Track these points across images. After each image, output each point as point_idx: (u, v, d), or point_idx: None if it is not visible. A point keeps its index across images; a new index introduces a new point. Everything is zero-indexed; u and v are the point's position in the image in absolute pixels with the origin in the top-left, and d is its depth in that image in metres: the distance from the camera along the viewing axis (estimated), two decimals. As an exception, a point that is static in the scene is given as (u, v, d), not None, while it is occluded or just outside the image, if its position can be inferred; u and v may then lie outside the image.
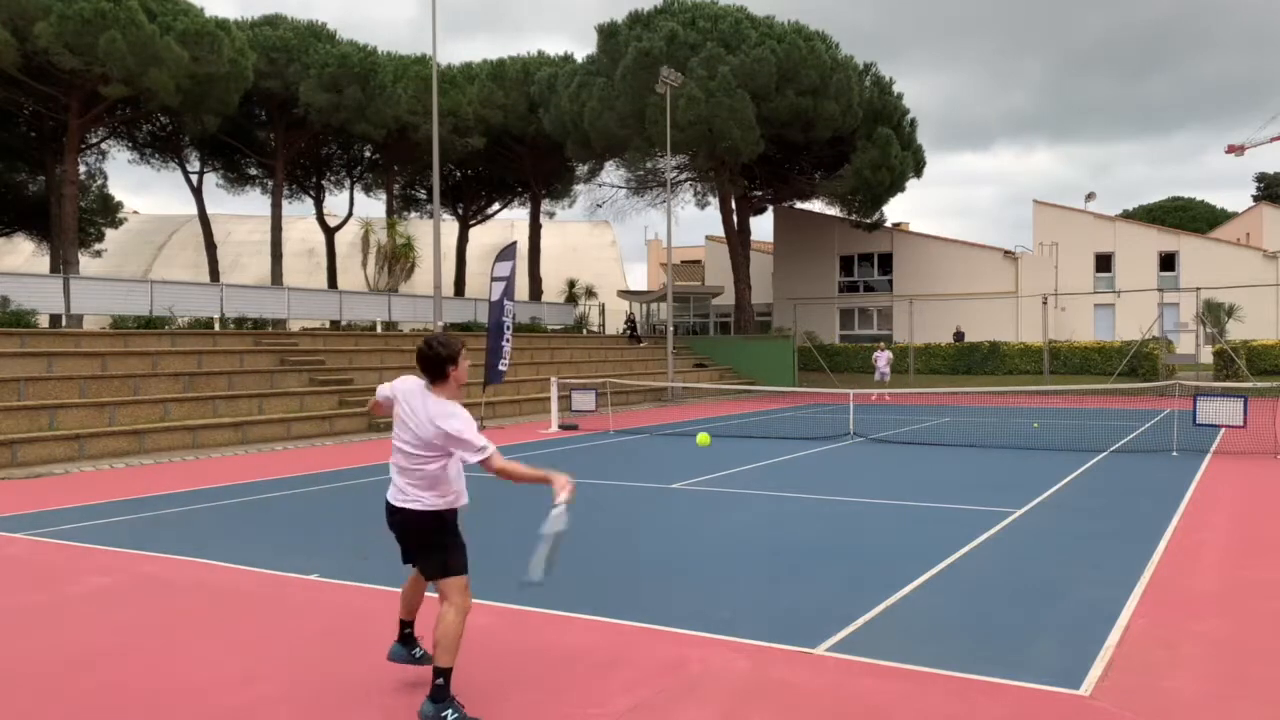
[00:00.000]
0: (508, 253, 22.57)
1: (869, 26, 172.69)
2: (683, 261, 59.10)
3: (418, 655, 5.12)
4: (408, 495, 4.63)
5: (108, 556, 8.40)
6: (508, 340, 21.87)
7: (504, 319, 21.74)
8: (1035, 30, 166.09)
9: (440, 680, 4.50)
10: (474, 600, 6.70)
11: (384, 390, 4.86)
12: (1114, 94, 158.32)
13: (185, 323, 22.62)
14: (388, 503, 4.74)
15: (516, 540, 9.12)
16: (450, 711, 4.48)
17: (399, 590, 7.00)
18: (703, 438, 6.27)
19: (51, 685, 5.17)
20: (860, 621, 6.08)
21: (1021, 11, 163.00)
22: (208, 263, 38.18)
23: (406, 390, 4.69)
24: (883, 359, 30.92)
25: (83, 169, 33.75)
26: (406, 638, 5.16)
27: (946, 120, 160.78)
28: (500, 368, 21.88)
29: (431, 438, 4.50)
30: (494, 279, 22.38)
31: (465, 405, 4.67)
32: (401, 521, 4.69)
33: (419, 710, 4.55)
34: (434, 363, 4.58)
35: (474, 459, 4.47)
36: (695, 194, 44.59)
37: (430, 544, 4.69)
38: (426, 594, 5.13)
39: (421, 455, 4.55)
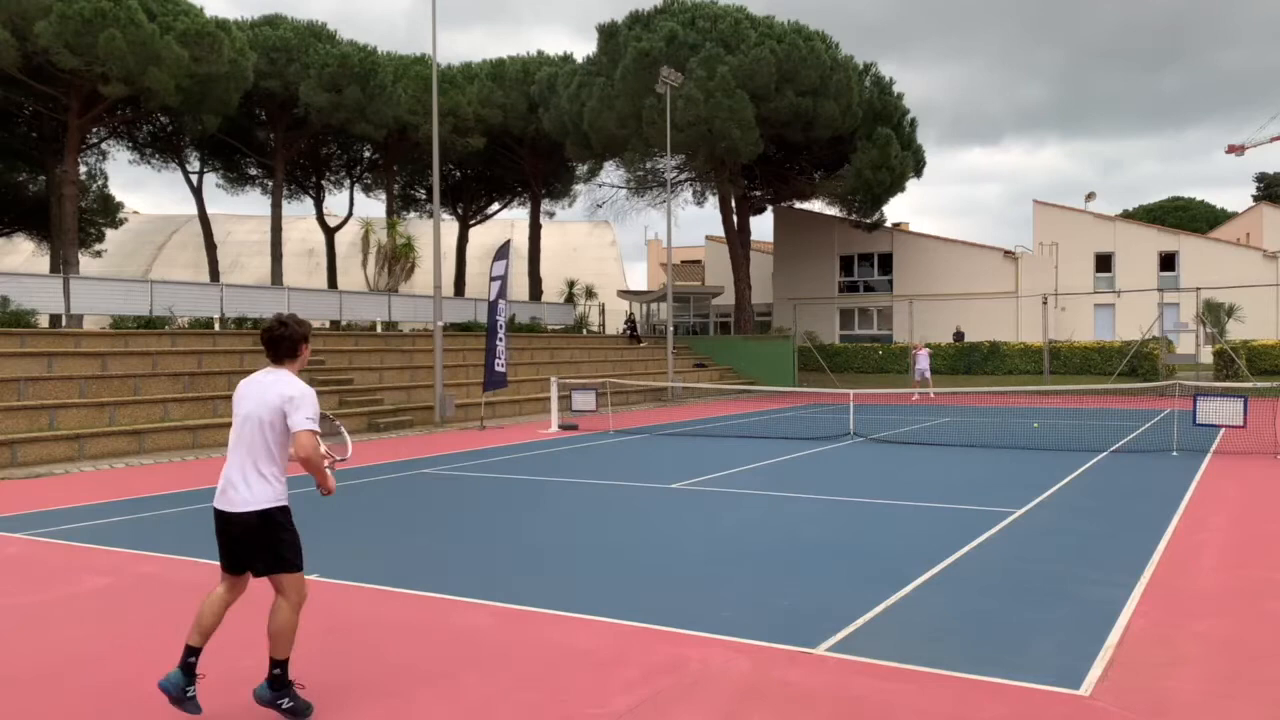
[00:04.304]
0: (502, 252, 22.61)
1: (875, 19, 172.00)
2: (683, 261, 59.08)
3: (190, 694, 4.50)
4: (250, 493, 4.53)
5: (108, 556, 8.40)
6: (502, 340, 21.82)
7: (498, 318, 21.73)
8: (1048, 22, 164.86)
9: (278, 670, 4.55)
10: (475, 600, 6.73)
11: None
12: (1127, 88, 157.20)
13: (185, 323, 22.62)
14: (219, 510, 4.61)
15: (520, 543, 9.12)
16: (286, 699, 4.55)
17: (397, 590, 7.03)
18: None
19: (51, 685, 5.17)
20: (860, 621, 6.08)
21: (1034, 1, 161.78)
22: (208, 263, 38.19)
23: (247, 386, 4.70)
24: (922, 357, 30.44)
25: (83, 169, 33.72)
26: (189, 667, 4.54)
27: (956, 115, 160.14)
28: (498, 368, 21.80)
29: (276, 407, 4.50)
30: (491, 279, 22.42)
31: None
32: (240, 524, 4.56)
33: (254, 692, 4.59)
34: (282, 341, 4.64)
35: (301, 425, 4.44)
36: (695, 194, 44.62)
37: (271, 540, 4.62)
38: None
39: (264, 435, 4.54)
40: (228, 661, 5.34)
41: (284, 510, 4.59)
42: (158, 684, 4.53)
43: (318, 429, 4.52)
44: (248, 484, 4.51)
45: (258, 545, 4.55)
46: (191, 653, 4.56)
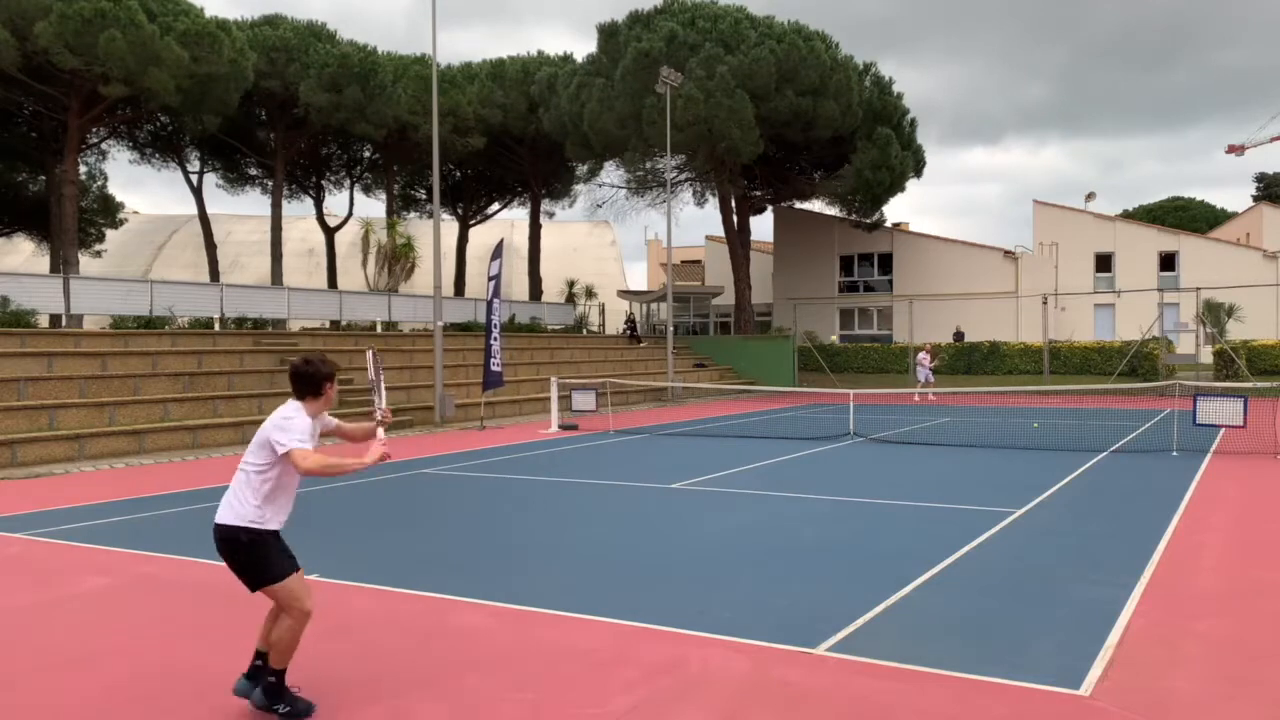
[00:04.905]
0: (496, 251, 22.70)
1: (875, 19, 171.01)
2: (683, 261, 59.08)
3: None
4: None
5: (108, 556, 8.40)
6: (496, 339, 21.81)
7: (493, 316, 21.73)
8: (1049, 21, 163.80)
9: (273, 679, 4.66)
10: (474, 600, 6.73)
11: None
12: (1128, 88, 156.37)
13: (185, 323, 22.62)
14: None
15: (519, 543, 9.12)
16: (282, 704, 4.64)
17: (398, 590, 7.03)
18: None
19: (51, 685, 5.17)
20: (860, 621, 6.08)
21: (1035, 1, 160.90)
22: (208, 263, 38.18)
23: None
24: (924, 363, 29.95)
25: (83, 169, 33.71)
26: (256, 670, 4.78)
27: (956, 114, 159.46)
28: (494, 368, 21.78)
29: (266, 434, 4.60)
30: (488, 278, 22.47)
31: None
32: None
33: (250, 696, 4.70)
34: (301, 378, 4.73)
35: (281, 448, 4.51)
36: (695, 194, 44.63)
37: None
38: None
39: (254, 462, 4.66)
40: (227, 661, 5.34)
41: (248, 532, 4.57)
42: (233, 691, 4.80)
43: (307, 445, 4.52)
44: (227, 500, 4.67)
45: (231, 562, 4.68)
46: (259, 656, 4.79)
